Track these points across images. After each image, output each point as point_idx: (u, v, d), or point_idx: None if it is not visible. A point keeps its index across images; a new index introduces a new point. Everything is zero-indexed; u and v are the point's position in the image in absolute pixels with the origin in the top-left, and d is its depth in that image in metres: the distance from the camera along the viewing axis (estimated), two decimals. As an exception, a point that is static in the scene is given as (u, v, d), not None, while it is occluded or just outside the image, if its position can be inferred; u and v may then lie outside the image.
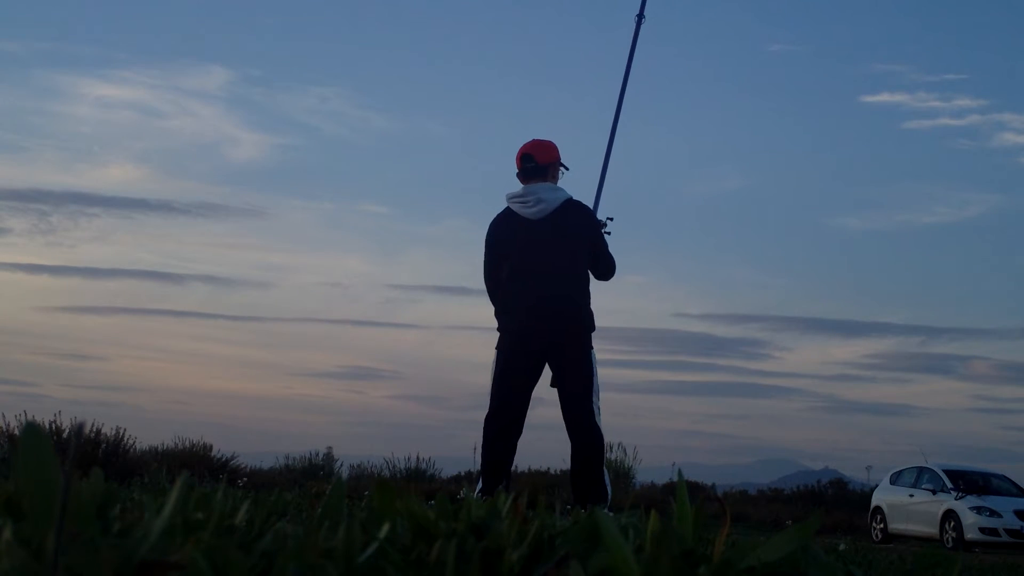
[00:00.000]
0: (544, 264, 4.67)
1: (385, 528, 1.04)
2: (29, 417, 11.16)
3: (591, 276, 4.81)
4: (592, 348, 4.67)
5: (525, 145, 4.91)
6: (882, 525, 16.75)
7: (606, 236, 5.00)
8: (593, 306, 4.81)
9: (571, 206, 4.77)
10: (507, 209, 4.85)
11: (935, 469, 16.34)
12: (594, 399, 4.58)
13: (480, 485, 4.57)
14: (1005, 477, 16.37)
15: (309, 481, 16.39)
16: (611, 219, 5.13)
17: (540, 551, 1.04)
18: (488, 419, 4.65)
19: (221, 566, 0.86)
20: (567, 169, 5.03)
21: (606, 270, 4.83)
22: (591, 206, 5.08)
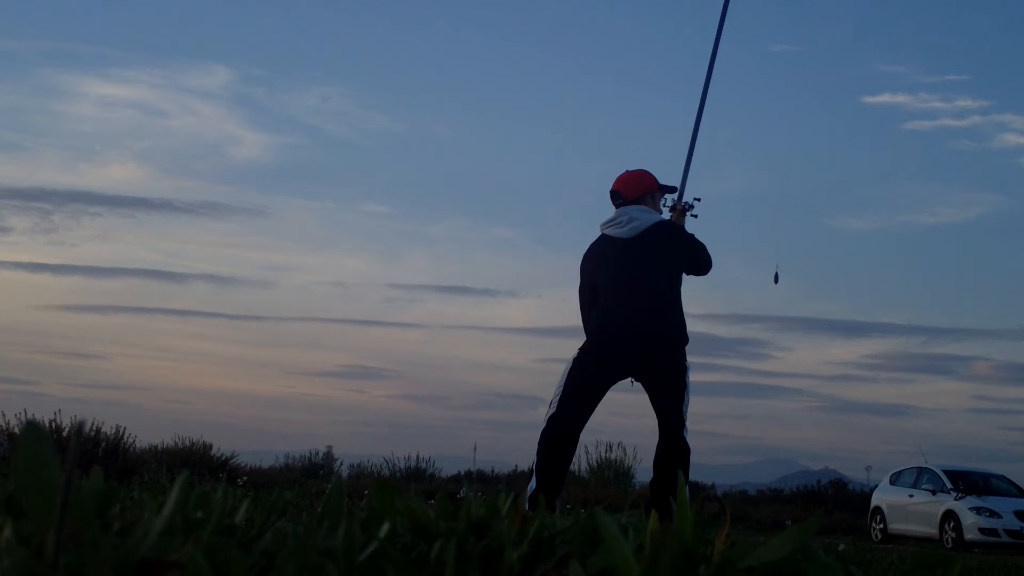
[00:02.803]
0: (636, 280, 4.69)
1: (385, 527, 1.04)
2: (29, 415, 11.17)
3: (695, 275, 4.88)
4: (686, 360, 4.67)
5: (616, 179, 5.01)
6: (882, 525, 16.75)
7: (693, 218, 5.07)
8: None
9: (663, 225, 4.83)
10: (600, 236, 4.93)
11: (935, 469, 16.34)
12: (683, 411, 4.57)
13: (533, 486, 4.48)
14: (1005, 477, 16.37)
15: (309, 480, 16.40)
16: (698, 199, 5.13)
17: (540, 551, 1.04)
18: (552, 419, 4.57)
19: (221, 565, 0.86)
20: (672, 191, 5.06)
21: (702, 264, 4.86)
22: (678, 187, 5.16)
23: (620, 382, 4.72)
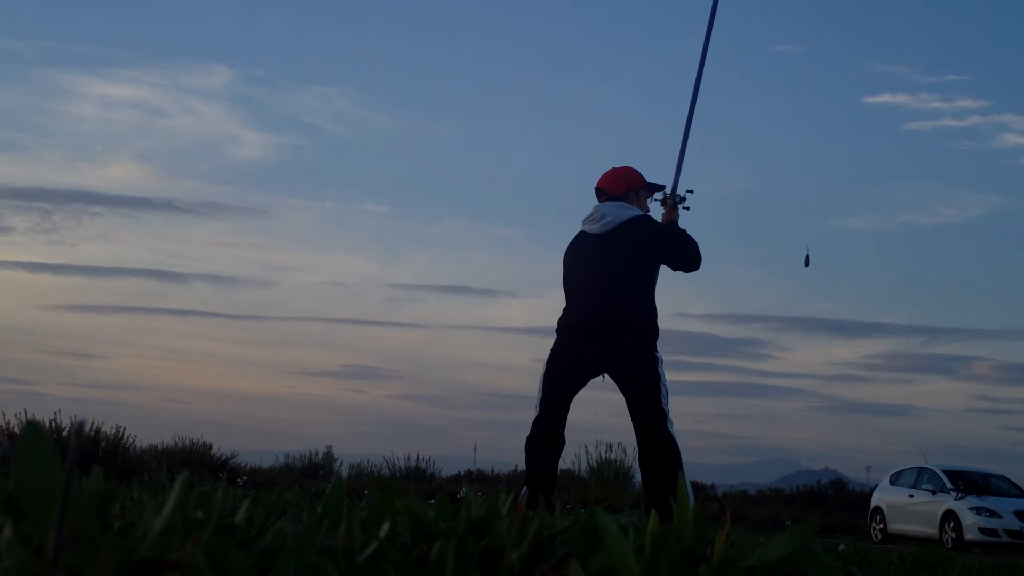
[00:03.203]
0: (603, 275, 4.69)
1: (385, 527, 1.04)
2: (29, 415, 11.17)
3: (681, 271, 4.83)
4: (657, 353, 4.62)
5: (601, 176, 4.99)
6: (882, 525, 16.75)
7: (684, 211, 5.00)
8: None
9: (637, 221, 4.78)
10: (579, 232, 4.93)
11: (935, 469, 16.34)
12: (663, 404, 4.52)
13: (526, 492, 4.47)
14: (1005, 478, 16.38)
15: (309, 480, 16.41)
16: (691, 191, 5.03)
17: (540, 551, 1.04)
18: (534, 423, 4.64)
19: (221, 565, 0.86)
20: (660, 189, 5.00)
21: (685, 260, 4.79)
22: (671, 181, 5.07)
23: (596, 380, 4.74)
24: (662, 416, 4.50)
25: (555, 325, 4.83)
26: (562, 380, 4.66)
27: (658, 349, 4.66)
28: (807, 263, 5.41)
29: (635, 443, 4.63)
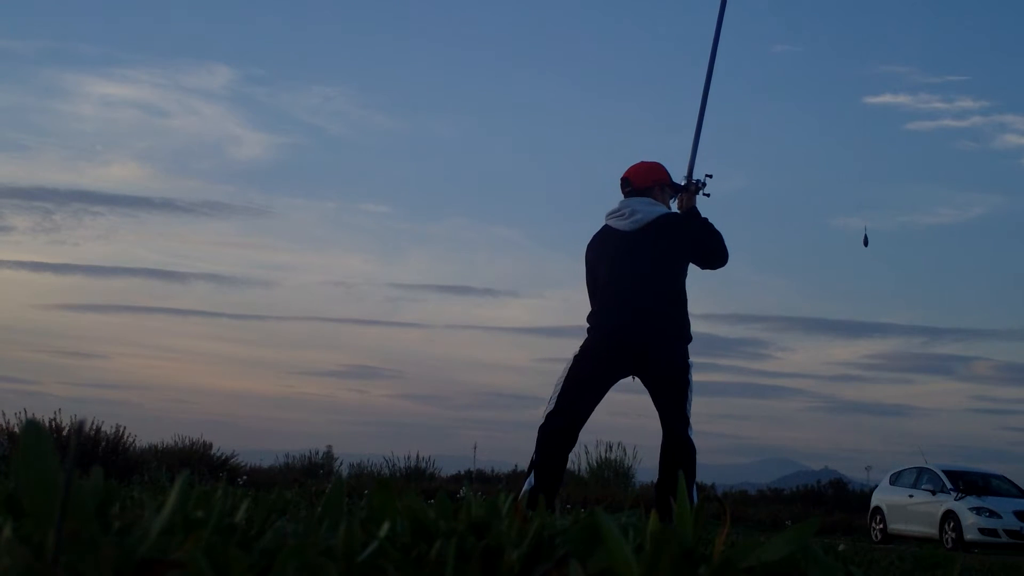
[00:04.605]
0: (637, 275, 4.60)
1: (385, 527, 1.04)
2: (30, 415, 11.18)
3: (709, 269, 4.77)
4: (688, 358, 4.58)
5: (629, 168, 4.91)
6: (882, 526, 16.76)
7: (705, 197, 4.90)
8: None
9: (667, 219, 4.70)
10: (604, 226, 4.84)
11: (935, 470, 16.35)
12: (687, 410, 4.48)
13: (531, 482, 4.43)
14: (1005, 478, 16.38)
15: (309, 480, 16.41)
16: (710, 176, 4.91)
17: (540, 550, 1.04)
18: (550, 416, 4.52)
19: (221, 564, 0.86)
20: (685, 186, 4.90)
21: (713, 256, 4.73)
22: (686, 168, 4.98)
23: (623, 380, 4.67)
24: (685, 423, 4.47)
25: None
26: (591, 380, 4.57)
27: (690, 355, 4.60)
28: (866, 243, 5.32)
29: (658, 444, 4.59)
